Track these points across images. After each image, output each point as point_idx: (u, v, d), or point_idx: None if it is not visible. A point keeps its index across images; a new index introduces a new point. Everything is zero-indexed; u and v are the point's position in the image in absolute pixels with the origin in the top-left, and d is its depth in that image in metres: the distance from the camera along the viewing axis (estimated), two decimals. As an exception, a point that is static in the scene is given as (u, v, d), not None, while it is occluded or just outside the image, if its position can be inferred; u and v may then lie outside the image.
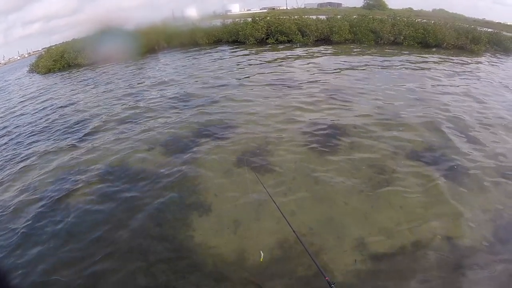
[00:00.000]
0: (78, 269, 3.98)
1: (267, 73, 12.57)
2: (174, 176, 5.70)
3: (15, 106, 13.72)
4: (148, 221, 4.68)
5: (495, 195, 4.90)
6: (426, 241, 4.00)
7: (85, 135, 8.28)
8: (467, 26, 19.51)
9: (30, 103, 13.51)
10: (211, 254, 4.00)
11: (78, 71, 19.80)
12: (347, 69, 12.61)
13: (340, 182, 5.16)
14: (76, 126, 9.14)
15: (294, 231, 3.09)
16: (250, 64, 14.68)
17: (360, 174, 5.36)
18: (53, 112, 11.23)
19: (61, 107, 11.74)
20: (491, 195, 4.91)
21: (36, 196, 5.77)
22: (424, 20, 20.61)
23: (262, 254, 3.80)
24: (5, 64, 62.27)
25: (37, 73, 22.91)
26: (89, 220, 4.88)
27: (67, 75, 19.41)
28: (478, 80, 11.42)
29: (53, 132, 9.02)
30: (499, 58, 16.62)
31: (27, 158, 7.52)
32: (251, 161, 5.78)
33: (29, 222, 5.06)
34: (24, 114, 11.99)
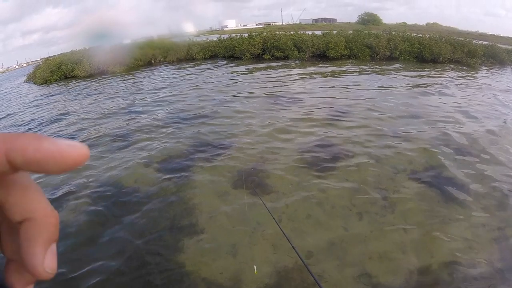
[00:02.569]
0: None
1: (263, 88, 12.48)
2: (166, 196, 5.43)
3: (8, 116, 13.79)
4: (137, 243, 4.39)
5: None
6: (433, 268, 3.74)
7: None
8: (462, 39, 19.64)
9: (24, 114, 13.38)
10: (205, 282, 3.72)
11: (75, 83, 19.74)
12: (343, 84, 12.53)
13: (340, 205, 4.93)
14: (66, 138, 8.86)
15: (293, 247, 2.82)
16: (246, 79, 14.61)
17: (360, 196, 5.12)
18: (45, 123, 11.14)
19: (54, 118, 11.66)
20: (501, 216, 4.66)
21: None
22: (420, 35, 20.77)
23: (255, 267, 3.63)
24: (3, 72, 62.91)
25: (34, 83, 22.88)
26: (75, 238, 4.64)
27: (63, 86, 19.33)
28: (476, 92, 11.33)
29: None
30: (496, 70, 16.64)
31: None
32: (247, 181, 5.52)
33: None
34: (16, 124, 11.96)
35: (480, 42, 21.00)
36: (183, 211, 5.03)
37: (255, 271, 3.61)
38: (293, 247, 2.86)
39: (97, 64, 21.52)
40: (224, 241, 4.29)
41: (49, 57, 31.56)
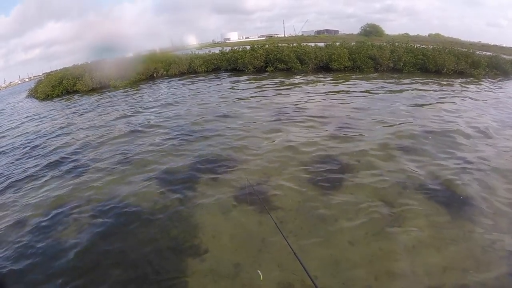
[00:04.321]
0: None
1: (266, 100, 12.42)
2: (168, 214, 5.27)
3: (11, 129, 13.92)
4: (138, 263, 4.23)
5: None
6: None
7: (74, 163, 7.99)
8: (466, 50, 19.53)
9: (27, 127, 13.44)
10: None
11: (76, 97, 19.82)
12: (346, 97, 12.40)
13: (345, 222, 4.74)
14: (65, 153, 8.87)
15: (304, 267, 2.61)
16: (248, 91, 14.58)
17: (365, 213, 4.92)
18: (47, 137, 11.18)
19: (56, 131, 11.73)
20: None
21: (19, 220, 5.62)
22: (423, 46, 20.68)
23: (260, 273, 3.65)
24: (5, 87, 63.39)
25: (36, 99, 22.96)
26: (74, 252, 4.55)
27: (65, 101, 19.43)
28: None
29: (41, 158, 8.82)
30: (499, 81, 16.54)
31: (16, 181, 7.44)
32: (251, 196, 5.36)
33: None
34: (16, 137, 12.07)
35: (483, 52, 20.89)
36: (186, 228, 4.88)
37: (261, 277, 3.60)
38: (302, 264, 2.64)
39: (98, 79, 21.61)
40: (228, 260, 4.14)
41: (51, 71, 31.88)
